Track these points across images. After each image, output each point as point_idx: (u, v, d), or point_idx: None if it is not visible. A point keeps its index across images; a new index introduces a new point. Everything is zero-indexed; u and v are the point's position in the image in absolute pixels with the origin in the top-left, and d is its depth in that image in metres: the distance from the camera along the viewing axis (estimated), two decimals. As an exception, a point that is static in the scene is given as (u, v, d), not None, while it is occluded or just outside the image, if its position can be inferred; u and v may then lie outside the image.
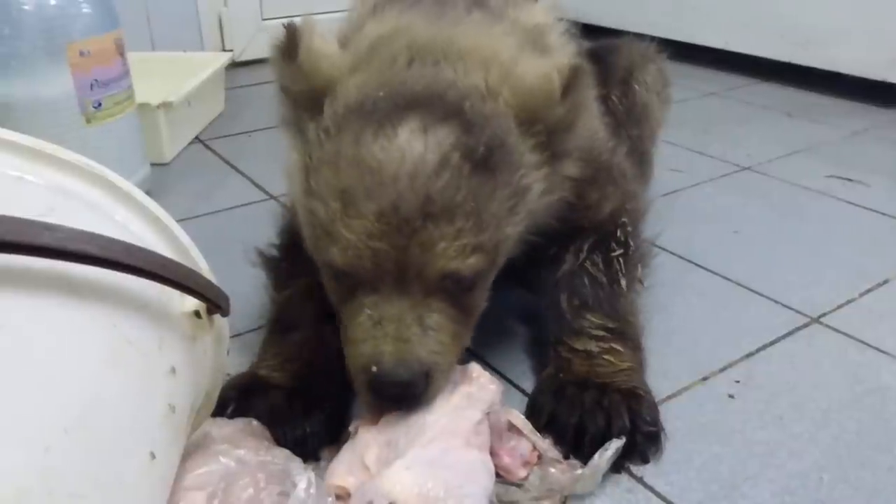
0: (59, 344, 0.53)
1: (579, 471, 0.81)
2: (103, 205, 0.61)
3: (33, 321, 0.52)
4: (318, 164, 0.79)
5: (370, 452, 0.77)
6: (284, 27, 0.83)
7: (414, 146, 0.74)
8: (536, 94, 0.80)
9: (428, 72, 0.80)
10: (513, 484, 0.82)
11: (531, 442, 0.84)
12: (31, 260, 0.51)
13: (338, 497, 0.76)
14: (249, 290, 1.09)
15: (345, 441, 0.82)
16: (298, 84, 0.83)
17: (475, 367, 0.86)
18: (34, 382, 0.50)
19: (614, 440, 0.83)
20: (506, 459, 0.82)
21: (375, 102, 0.77)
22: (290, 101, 0.86)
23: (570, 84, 0.80)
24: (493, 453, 0.81)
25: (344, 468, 0.78)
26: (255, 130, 2.06)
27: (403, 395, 0.79)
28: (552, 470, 0.82)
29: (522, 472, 0.82)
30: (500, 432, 0.83)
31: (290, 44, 0.81)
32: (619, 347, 0.97)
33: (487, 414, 0.82)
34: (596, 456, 0.82)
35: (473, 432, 0.79)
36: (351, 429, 0.83)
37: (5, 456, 0.46)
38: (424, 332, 0.78)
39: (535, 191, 0.83)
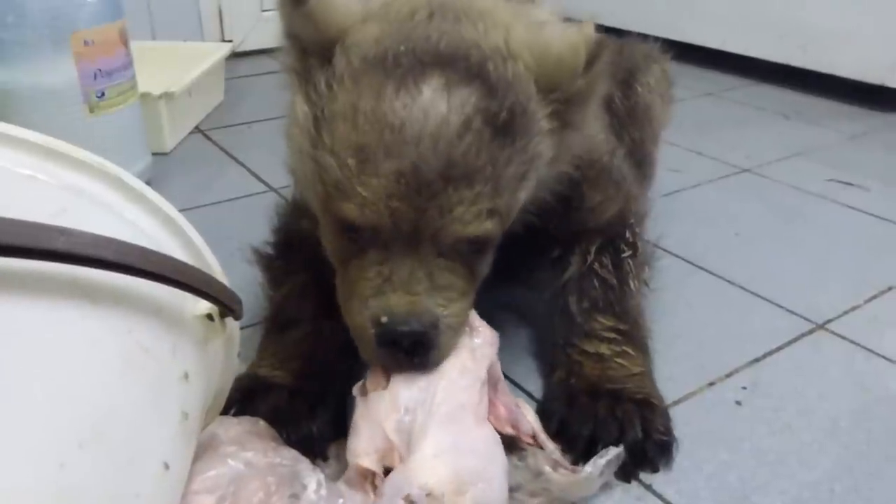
0: (74, 352, 0.51)
1: (574, 475, 0.80)
2: (117, 205, 0.60)
3: (48, 328, 0.50)
4: (330, 117, 0.75)
5: (389, 421, 0.75)
6: None
7: (438, 106, 0.72)
8: (561, 62, 0.77)
9: (450, 28, 0.77)
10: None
11: (540, 442, 0.83)
12: (46, 265, 0.49)
13: (363, 476, 0.74)
14: (245, 285, 1.07)
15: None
16: (308, 31, 0.78)
17: (475, 316, 0.85)
18: (49, 394, 0.48)
19: (611, 448, 0.82)
20: (501, 410, 0.82)
21: (397, 57, 0.74)
22: (299, 48, 0.81)
23: (593, 57, 0.78)
24: (490, 403, 0.81)
25: (365, 443, 0.76)
26: (254, 121, 2.05)
27: (414, 345, 0.77)
28: (547, 469, 0.81)
29: (508, 430, 0.81)
30: (495, 383, 0.83)
31: None
32: (630, 351, 0.97)
33: (488, 371, 0.82)
34: (590, 463, 0.81)
35: (479, 402, 0.79)
36: (355, 391, 0.81)
37: (19, 475, 0.44)
38: (433, 288, 0.77)
39: (544, 158, 0.81)
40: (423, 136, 0.71)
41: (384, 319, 0.76)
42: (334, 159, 0.74)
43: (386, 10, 0.79)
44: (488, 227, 0.76)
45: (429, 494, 0.70)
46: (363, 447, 0.76)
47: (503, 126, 0.74)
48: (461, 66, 0.74)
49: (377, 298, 0.76)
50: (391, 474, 0.72)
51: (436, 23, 0.78)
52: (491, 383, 0.82)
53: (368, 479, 0.74)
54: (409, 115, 0.71)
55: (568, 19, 0.86)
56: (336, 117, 0.75)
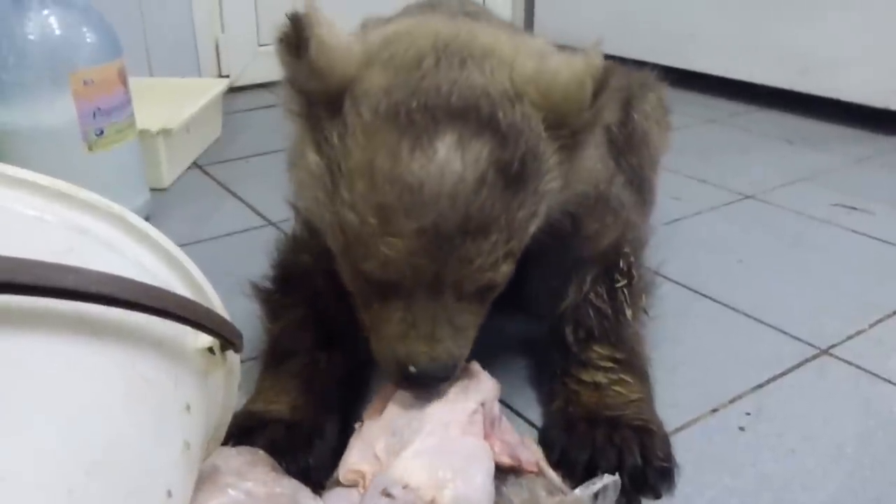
0: (80, 384, 0.52)
1: (563, 498, 0.81)
2: (121, 244, 0.61)
3: (57, 362, 0.51)
4: (348, 175, 0.76)
5: (379, 443, 0.79)
6: (288, 17, 0.76)
7: (453, 164, 0.73)
8: (568, 97, 0.78)
9: (458, 76, 0.77)
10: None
11: (542, 470, 0.84)
12: (56, 302, 0.50)
13: (352, 482, 0.78)
14: (246, 318, 1.08)
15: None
16: (312, 82, 0.78)
17: (475, 365, 0.88)
18: (57, 423, 0.49)
19: (606, 476, 0.82)
20: (497, 446, 0.83)
21: (409, 113, 0.74)
22: (303, 98, 0.80)
23: (600, 87, 0.78)
24: (487, 436, 0.83)
25: (356, 457, 0.80)
26: (252, 156, 2.06)
27: (436, 385, 0.82)
28: (541, 492, 0.82)
29: (506, 460, 0.82)
30: (492, 422, 0.85)
31: (298, 36, 0.75)
32: (627, 378, 0.97)
33: (482, 405, 0.84)
34: (580, 487, 0.81)
35: (468, 422, 0.81)
36: (356, 425, 0.84)
37: (28, 502, 0.45)
38: (455, 331, 0.79)
39: (553, 191, 0.82)
40: (441, 195, 0.73)
41: (412, 369, 0.79)
42: (355, 216, 0.76)
43: (390, 53, 0.79)
44: (505, 269, 0.79)
45: (405, 487, 0.74)
46: (353, 460, 0.80)
47: (515, 175, 0.76)
48: (472, 118, 0.75)
49: (403, 343, 0.79)
50: (374, 475, 0.77)
51: (443, 71, 0.78)
52: (488, 422, 0.83)
53: (360, 483, 0.77)
54: (427, 175, 0.73)
55: (569, 48, 0.87)
56: (353, 175, 0.75)
